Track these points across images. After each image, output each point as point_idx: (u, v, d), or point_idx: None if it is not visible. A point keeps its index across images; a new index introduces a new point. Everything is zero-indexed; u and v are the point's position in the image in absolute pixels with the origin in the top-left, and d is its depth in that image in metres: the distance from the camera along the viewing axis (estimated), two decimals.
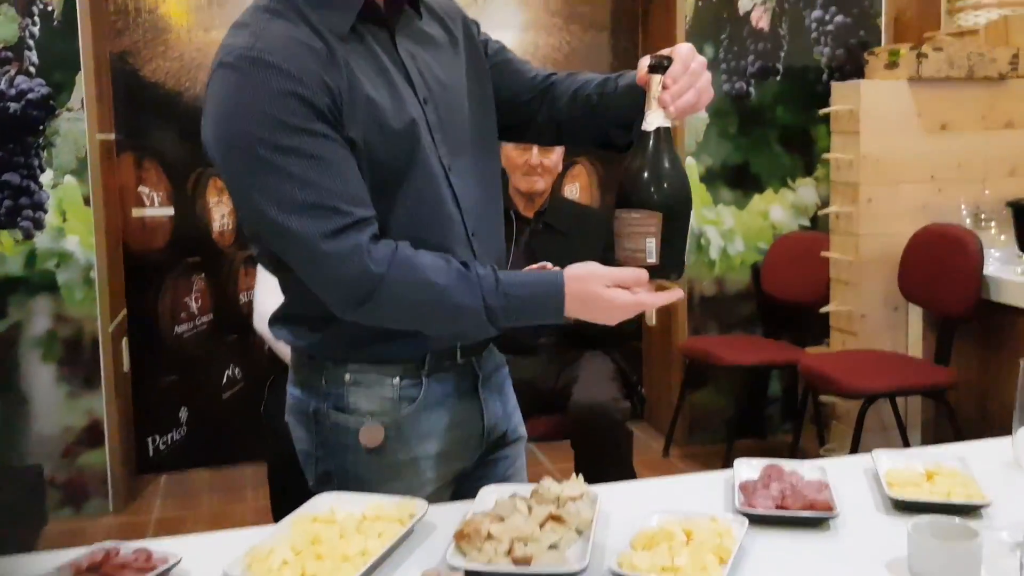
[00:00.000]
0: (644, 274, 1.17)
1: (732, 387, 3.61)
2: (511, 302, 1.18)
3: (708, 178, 3.53)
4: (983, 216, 3.18)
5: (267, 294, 2.77)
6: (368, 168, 1.18)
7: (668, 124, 1.18)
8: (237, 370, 3.51)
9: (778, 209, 3.64)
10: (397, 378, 1.28)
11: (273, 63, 1.11)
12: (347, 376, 1.28)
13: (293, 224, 1.12)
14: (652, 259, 1.17)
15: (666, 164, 1.18)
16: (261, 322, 2.76)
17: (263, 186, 1.13)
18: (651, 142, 1.17)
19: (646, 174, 1.17)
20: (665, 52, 1.18)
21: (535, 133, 1.45)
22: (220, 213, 3.42)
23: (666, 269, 1.18)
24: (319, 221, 1.12)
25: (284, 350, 2.72)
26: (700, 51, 1.25)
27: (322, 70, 1.13)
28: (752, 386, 3.62)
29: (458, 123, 1.28)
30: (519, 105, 1.40)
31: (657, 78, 1.16)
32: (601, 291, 1.17)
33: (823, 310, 3.35)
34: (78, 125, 2.98)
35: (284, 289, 1.30)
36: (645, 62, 1.19)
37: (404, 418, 1.28)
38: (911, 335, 3.29)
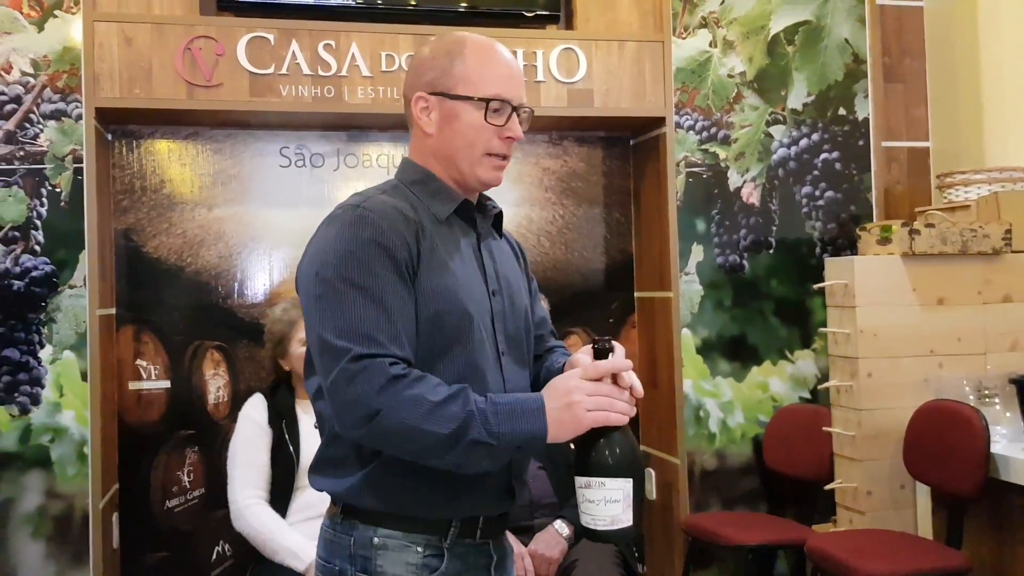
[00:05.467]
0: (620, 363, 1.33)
1: (737, 567, 3.46)
2: (498, 408, 1.28)
3: (705, 350, 3.51)
4: (986, 391, 3.12)
5: (239, 488, 2.77)
6: (424, 323, 1.36)
7: None
8: (227, 547, 3.43)
9: (777, 381, 3.59)
10: (420, 547, 1.38)
11: (369, 219, 1.35)
12: (375, 539, 1.39)
13: (334, 340, 1.30)
14: (626, 522, 1.27)
15: (631, 436, 1.31)
16: (239, 520, 2.75)
17: (326, 308, 1.32)
18: None
19: (619, 444, 1.29)
20: (606, 339, 1.34)
21: None
22: (216, 385, 3.43)
23: (633, 529, 1.28)
24: (356, 344, 1.28)
25: (260, 536, 2.69)
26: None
27: (407, 232, 1.36)
28: (758, 566, 3.48)
29: (517, 319, 1.50)
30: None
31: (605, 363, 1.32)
32: (571, 378, 1.31)
33: (828, 487, 3.25)
34: (79, 301, 3.03)
35: (321, 430, 1.46)
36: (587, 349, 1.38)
37: None
38: (920, 514, 3.18)
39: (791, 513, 3.43)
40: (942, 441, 2.98)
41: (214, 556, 3.44)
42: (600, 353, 1.31)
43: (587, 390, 1.28)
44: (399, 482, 1.37)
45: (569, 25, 3.42)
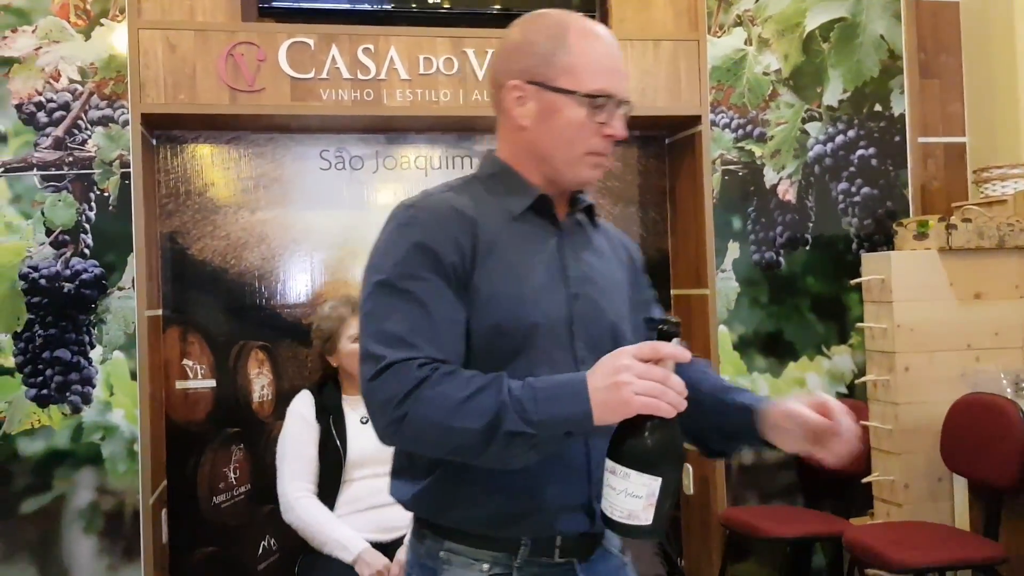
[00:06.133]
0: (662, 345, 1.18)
1: (775, 560, 3.50)
2: (536, 393, 1.17)
3: (741, 345, 3.53)
4: (1023, 385, 3.13)
5: (289, 482, 2.82)
6: (483, 333, 1.27)
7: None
8: (272, 541, 3.50)
9: (814, 377, 3.61)
10: (487, 564, 1.30)
11: (418, 220, 1.28)
12: (442, 553, 1.32)
13: (372, 347, 1.23)
14: (644, 521, 1.16)
15: (677, 434, 1.18)
16: (289, 512, 2.81)
17: (370, 314, 1.26)
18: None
19: (657, 439, 1.16)
20: (672, 318, 1.21)
21: None
22: (260, 384, 3.50)
23: (650, 530, 1.17)
24: (391, 349, 1.21)
25: (310, 528, 2.74)
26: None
27: (460, 232, 1.27)
28: (795, 559, 3.51)
29: (602, 324, 1.36)
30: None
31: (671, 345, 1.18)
32: (622, 356, 1.16)
33: (865, 480, 3.27)
34: (128, 303, 3.10)
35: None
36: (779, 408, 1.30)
37: None
38: (957, 506, 3.19)
39: (828, 507, 3.45)
40: (979, 434, 3.00)
41: (260, 550, 3.51)
42: (663, 335, 1.17)
43: (638, 371, 1.13)
44: (463, 493, 1.28)
45: (605, 25, 3.44)
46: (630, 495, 1.14)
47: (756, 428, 1.34)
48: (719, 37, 3.51)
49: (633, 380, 1.12)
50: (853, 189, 3.61)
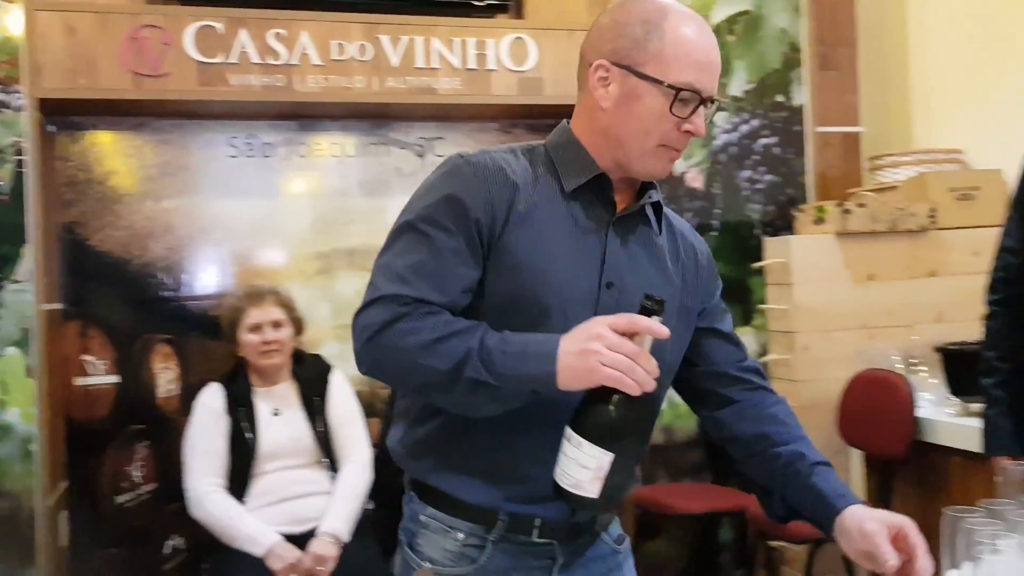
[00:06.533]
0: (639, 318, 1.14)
1: (684, 536, 3.61)
2: (508, 347, 1.16)
3: None
4: (913, 360, 3.31)
5: (197, 476, 2.76)
6: (496, 300, 1.25)
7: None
8: (180, 540, 3.41)
9: None
10: (462, 533, 1.29)
11: (461, 171, 1.26)
12: (422, 517, 1.32)
13: (375, 277, 1.25)
14: (589, 493, 1.15)
15: (642, 414, 1.16)
16: (198, 508, 2.75)
17: (387, 246, 1.27)
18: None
19: (617, 414, 1.13)
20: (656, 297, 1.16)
21: (690, 396, 1.46)
22: (166, 379, 3.39)
23: (595, 503, 1.16)
24: (391, 283, 1.22)
25: (219, 523, 2.69)
26: None
27: (499, 192, 1.25)
28: (703, 534, 3.63)
29: None
30: (700, 372, 1.42)
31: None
32: (598, 324, 1.14)
33: None
34: (23, 296, 2.96)
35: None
36: None
37: None
38: (853, 478, 3.37)
39: (734, 483, 3.58)
40: (873, 408, 3.17)
41: (167, 550, 3.42)
42: (644, 310, 1.13)
43: (610, 342, 1.10)
44: (454, 450, 1.28)
45: (519, 14, 3.46)
46: (580, 465, 1.13)
47: (828, 521, 1.29)
48: None
49: (602, 350, 1.10)
50: (756, 177, 3.75)
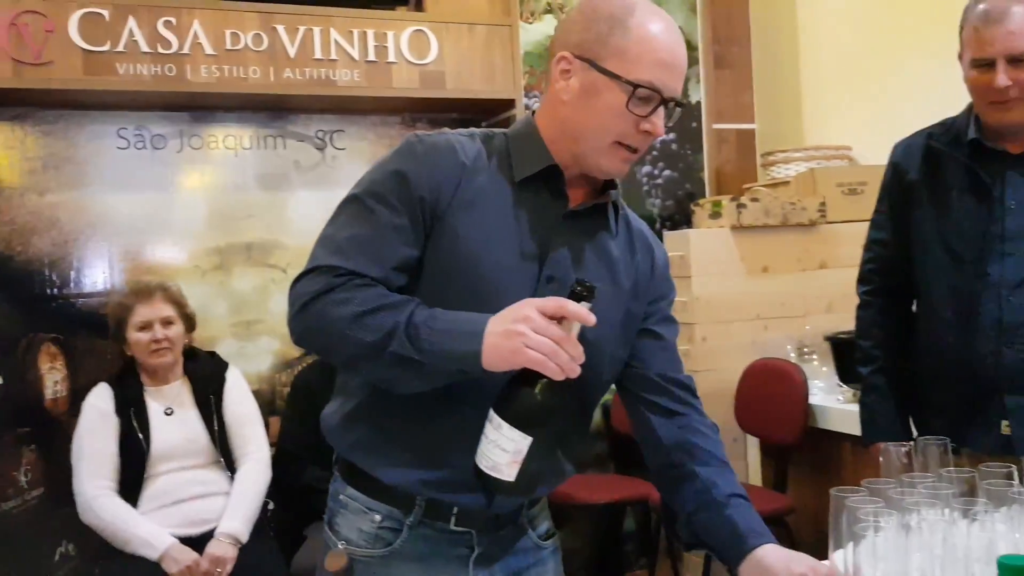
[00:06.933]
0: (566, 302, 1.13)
1: (589, 526, 3.66)
2: (435, 323, 1.15)
3: None
4: (806, 350, 3.43)
5: (86, 480, 2.68)
6: (429, 283, 1.25)
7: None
8: (71, 546, 3.28)
9: None
10: (379, 515, 1.29)
11: (413, 151, 1.27)
12: (342, 496, 1.33)
13: (316, 248, 1.25)
14: (506, 476, 1.15)
15: (565, 400, 1.15)
16: (87, 512, 2.67)
17: (332, 218, 1.28)
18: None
19: (539, 399, 1.13)
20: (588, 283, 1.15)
21: (621, 393, 1.43)
22: (53, 380, 3.25)
23: (510, 486, 1.16)
24: (328, 255, 1.22)
25: (111, 527, 2.61)
26: None
27: (445, 174, 1.25)
28: (608, 524, 3.68)
29: None
30: (632, 372, 1.39)
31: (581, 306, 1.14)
32: (526, 306, 1.13)
33: None
34: None
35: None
36: None
37: (376, 559, 1.28)
38: (751, 464, 3.46)
39: (638, 473, 3.65)
40: (767, 396, 3.27)
41: (57, 557, 3.29)
42: (575, 295, 1.13)
43: (536, 325, 1.09)
44: (375, 426, 1.28)
45: (419, 7, 3.44)
46: (499, 447, 1.13)
47: (736, 557, 1.26)
48: (531, 23, 3.60)
49: (528, 332, 1.09)
50: (656, 172, 3.82)
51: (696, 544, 1.34)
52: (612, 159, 1.27)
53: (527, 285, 1.25)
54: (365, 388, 1.30)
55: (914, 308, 2.17)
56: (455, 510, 1.30)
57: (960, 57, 1.93)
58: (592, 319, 1.12)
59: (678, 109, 1.28)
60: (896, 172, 2.11)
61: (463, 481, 1.22)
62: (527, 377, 1.12)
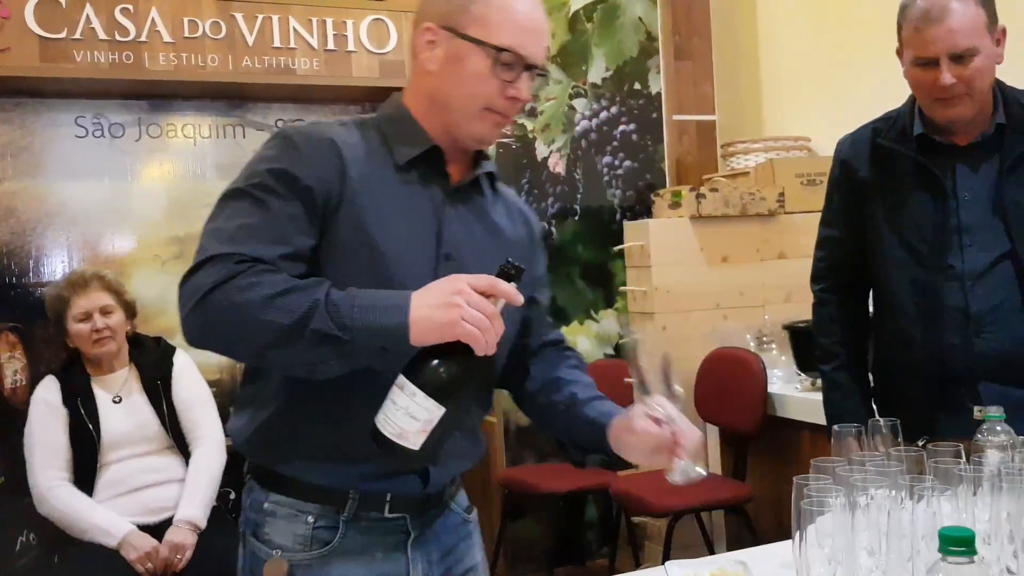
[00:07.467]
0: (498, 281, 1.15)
1: (549, 515, 3.68)
2: (356, 300, 1.14)
3: None
4: (765, 339, 3.47)
5: (40, 472, 2.65)
6: (334, 261, 1.22)
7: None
8: (31, 535, 3.25)
9: (584, 340, 3.83)
10: (312, 516, 1.27)
11: (288, 146, 1.24)
12: (266, 505, 1.29)
13: (203, 241, 1.20)
14: (411, 444, 1.15)
15: (480, 375, 1.17)
16: (43, 504, 2.64)
17: (213, 214, 1.23)
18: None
19: (460, 370, 1.14)
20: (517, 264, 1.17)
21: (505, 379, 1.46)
22: (12, 369, 3.22)
23: (416, 457, 1.16)
24: (219, 245, 1.17)
25: (67, 517, 2.59)
26: None
27: (324, 164, 1.23)
28: (569, 513, 3.71)
29: None
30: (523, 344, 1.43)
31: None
32: (460, 280, 1.14)
33: None
34: None
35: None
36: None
37: (315, 560, 1.27)
38: (711, 453, 3.50)
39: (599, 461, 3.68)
40: (727, 385, 3.30)
41: (18, 546, 3.26)
42: (504, 275, 1.15)
43: (472, 300, 1.11)
44: (302, 432, 1.26)
45: None
46: (409, 415, 1.12)
47: (605, 442, 1.33)
48: None
49: (464, 306, 1.10)
50: (616, 162, 3.84)
51: (585, 456, 1.44)
52: (483, 125, 1.30)
53: (427, 267, 1.26)
54: (280, 396, 1.27)
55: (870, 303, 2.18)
56: (388, 497, 1.29)
57: (899, 53, 1.94)
58: (520, 299, 1.15)
59: (540, 77, 1.31)
60: (845, 169, 2.12)
61: (395, 468, 1.23)
62: (450, 348, 1.13)
